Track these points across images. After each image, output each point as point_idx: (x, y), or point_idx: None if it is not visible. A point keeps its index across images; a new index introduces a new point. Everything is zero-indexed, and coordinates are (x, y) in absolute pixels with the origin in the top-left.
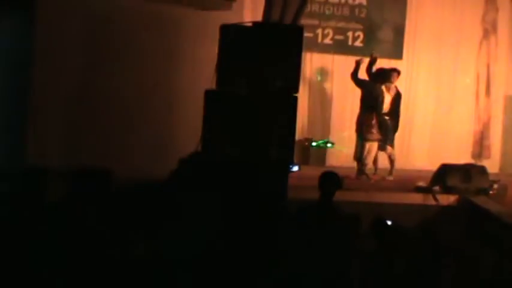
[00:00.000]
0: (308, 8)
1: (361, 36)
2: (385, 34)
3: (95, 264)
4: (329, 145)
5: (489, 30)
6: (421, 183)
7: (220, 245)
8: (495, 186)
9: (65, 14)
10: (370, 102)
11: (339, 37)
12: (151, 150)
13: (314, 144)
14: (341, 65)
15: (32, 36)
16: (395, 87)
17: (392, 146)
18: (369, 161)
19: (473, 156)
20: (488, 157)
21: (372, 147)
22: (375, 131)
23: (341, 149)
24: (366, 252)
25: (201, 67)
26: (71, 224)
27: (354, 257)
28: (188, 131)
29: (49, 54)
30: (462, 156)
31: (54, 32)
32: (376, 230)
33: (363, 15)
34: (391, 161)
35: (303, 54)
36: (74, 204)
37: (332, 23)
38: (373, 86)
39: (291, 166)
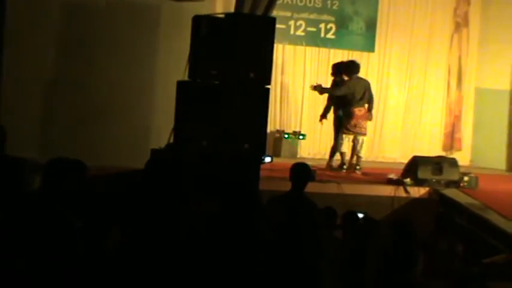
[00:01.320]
0: (280, 0)
1: (334, 28)
2: (358, 27)
3: (69, 255)
4: (301, 137)
5: (461, 23)
6: (393, 175)
7: (193, 236)
8: (466, 178)
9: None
10: (349, 96)
11: (311, 29)
12: (125, 141)
13: (286, 136)
14: (313, 57)
15: (3, 24)
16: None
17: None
18: (363, 153)
19: (445, 148)
20: (459, 149)
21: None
22: (363, 123)
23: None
24: (338, 243)
25: (174, 58)
26: (45, 215)
27: (327, 248)
28: (161, 122)
29: (21, 43)
30: (433, 149)
31: (26, 19)
32: (347, 221)
33: (335, 7)
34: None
35: (275, 45)
36: (47, 195)
37: (304, 15)
38: (351, 81)
39: (263, 157)
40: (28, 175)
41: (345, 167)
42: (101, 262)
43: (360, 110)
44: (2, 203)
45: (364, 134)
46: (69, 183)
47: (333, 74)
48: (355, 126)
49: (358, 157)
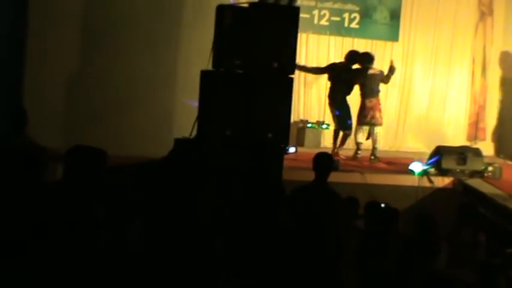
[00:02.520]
0: None
1: (357, 17)
2: (382, 16)
3: (91, 245)
4: (324, 126)
5: (485, 12)
6: None
7: (218, 227)
8: (490, 168)
9: None
10: (370, 87)
11: (335, 18)
12: (148, 130)
13: (309, 125)
14: (337, 46)
15: (26, 16)
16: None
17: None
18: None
19: (469, 138)
20: (484, 139)
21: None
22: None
23: None
24: (361, 233)
25: (197, 47)
26: (67, 205)
27: (350, 238)
28: (184, 111)
29: (44, 34)
30: (457, 139)
31: (49, 10)
32: (369, 211)
33: None
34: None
35: (299, 35)
36: (69, 184)
37: (328, 4)
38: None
39: (287, 148)
40: (48, 164)
41: (358, 155)
42: (123, 253)
43: (370, 101)
44: (22, 192)
45: (380, 124)
46: (89, 171)
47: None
48: (370, 117)
49: (374, 148)
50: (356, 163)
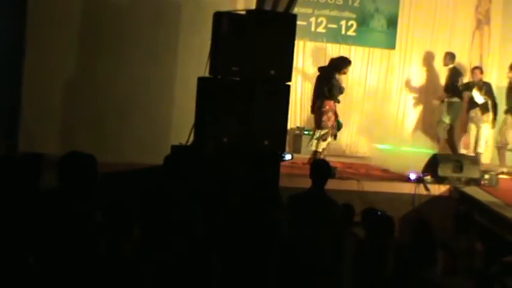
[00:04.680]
0: None
1: (355, 25)
2: (379, 24)
3: (90, 252)
4: None
5: (482, 20)
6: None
7: (213, 232)
8: (486, 176)
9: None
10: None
11: (332, 26)
12: (145, 137)
13: (306, 132)
14: (334, 54)
15: (25, 21)
16: None
17: None
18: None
19: (465, 146)
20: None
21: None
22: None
23: None
24: (358, 240)
25: (194, 54)
26: (62, 210)
27: (347, 245)
28: (182, 118)
29: (43, 39)
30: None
31: (48, 16)
32: (366, 218)
33: (356, 4)
34: None
35: (296, 42)
36: (65, 190)
37: (325, 12)
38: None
39: (283, 155)
40: (45, 171)
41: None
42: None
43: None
44: (19, 200)
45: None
46: (82, 177)
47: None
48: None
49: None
50: (353, 171)
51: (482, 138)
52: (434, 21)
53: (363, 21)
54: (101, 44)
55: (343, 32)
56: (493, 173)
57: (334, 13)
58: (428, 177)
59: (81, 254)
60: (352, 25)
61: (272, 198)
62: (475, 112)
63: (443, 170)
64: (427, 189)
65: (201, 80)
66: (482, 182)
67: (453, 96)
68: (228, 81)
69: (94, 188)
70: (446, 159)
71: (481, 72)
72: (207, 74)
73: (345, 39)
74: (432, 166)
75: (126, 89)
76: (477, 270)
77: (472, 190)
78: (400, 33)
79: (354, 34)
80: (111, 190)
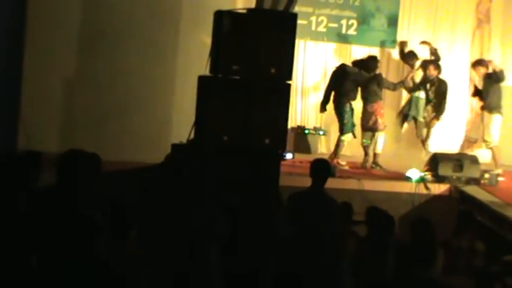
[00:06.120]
0: None
1: (355, 24)
2: (379, 23)
3: (89, 251)
4: (321, 133)
5: (483, 20)
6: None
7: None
8: (486, 176)
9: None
10: (379, 93)
11: (333, 25)
12: (146, 136)
13: (307, 131)
14: (334, 53)
15: (25, 19)
16: None
17: None
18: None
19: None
20: (480, 147)
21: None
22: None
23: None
24: (358, 239)
25: (195, 53)
26: (61, 208)
27: (348, 244)
28: (182, 116)
29: (42, 38)
30: (455, 146)
31: (47, 14)
32: (370, 217)
33: (356, 3)
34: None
35: (297, 41)
36: (64, 189)
37: (326, 11)
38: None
39: (284, 154)
40: (44, 169)
41: (367, 164)
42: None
43: (371, 107)
44: (16, 198)
45: (381, 130)
46: (83, 176)
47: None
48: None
49: (375, 154)
50: (353, 169)
51: (430, 137)
52: (435, 20)
53: (363, 20)
54: (101, 42)
55: (343, 31)
56: (493, 172)
57: (334, 12)
58: (428, 177)
59: (78, 253)
60: (352, 24)
61: (272, 196)
62: (427, 110)
63: (444, 170)
64: (427, 188)
65: (201, 79)
66: (482, 182)
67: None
68: (229, 80)
69: (94, 187)
70: (447, 159)
71: (435, 69)
72: (207, 73)
73: (346, 39)
74: (432, 165)
75: (126, 88)
76: (478, 269)
77: (472, 189)
78: (400, 32)
79: (354, 33)
80: (111, 189)
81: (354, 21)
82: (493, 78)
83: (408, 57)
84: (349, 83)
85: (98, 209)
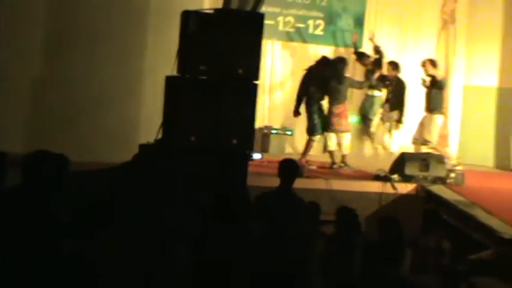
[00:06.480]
0: None
1: (322, 24)
2: (346, 23)
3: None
4: (288, 133)
5: (448, 20)
6: (380, 172)
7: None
8: (452, 175)
9: None
10: (344, 93)
11: (300, 25)
12: (114, 136)
13: (274, 131)
14: (301, 53)
15: None
16: None
17: None
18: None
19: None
20: (446, 146)
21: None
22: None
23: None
24: (326, 238)
25: (162, 53)
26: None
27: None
28: (150, 117)
29: (9, 38)
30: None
31: (13, 14)
32: (341, 217)
33: (323, 3)
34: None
35: (264, 41)
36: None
37: (293, 11)
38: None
39: (252, 154)
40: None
41: (334, 166)
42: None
43: (337, 108)
44: None
45: (346, 131)
46: (49, 176)
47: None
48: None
49: (343, 155)
50: (321, 169)
51: (392, 136)
52: (400, 21)
53: (330, 21)
54: (68, 42)
55: (310, 31)
56: (459, 171)
57: (301, 12)
58: (395, 176)
59: (44, 254)
60: (319, 24)
61: (240, 197)
62: (384, 109)
63: (410, 169)
64: (394, 188)
65: (169, 79)
66: (448, 181)
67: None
68: (196, 80)
69: (61, 187)
70: (413, 158)
71: (393, 68)
72: (175, 73)
73: (313, 39)
74: (399, 165)
75: (94, 88)
76: (444, 268)
77: (438, 189)
78: (367, 32)
79: (321, 33)
80: (79, 189)
81: (321, 22)
82: (437, 85)
83: (361, 57)
84: (317, 84)
85: (65, 209)
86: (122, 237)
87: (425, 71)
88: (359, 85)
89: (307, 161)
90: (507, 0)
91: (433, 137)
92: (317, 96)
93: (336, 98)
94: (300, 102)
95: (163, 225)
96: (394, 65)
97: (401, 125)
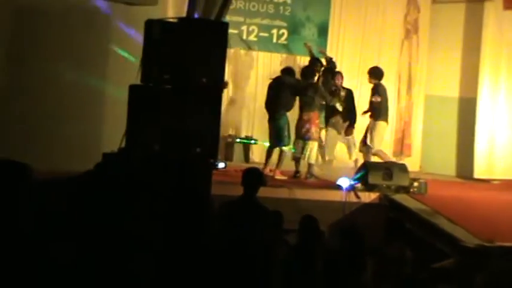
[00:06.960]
0: (233, 5)
1: (286, 34)
2: (310, 32)
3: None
4: (253, 141)
5: (411, 30)
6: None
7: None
8: (415, 184)
9: None
10: (317, 101)
11: (264, 34)
12: (77, 145)
13: (238, 140)
14: (265, 62)
15: None
16: None
17: None
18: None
19: (395, 154)
20: (409, 155)
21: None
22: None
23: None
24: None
25: (126, 62)
26: None
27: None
28: (113, 125)
29: None
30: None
31: None
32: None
33: (287, 13)
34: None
35: (228, 50)
36: None
37: (257, 20)
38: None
39: (216, 163)
40: None
41: (298, 174)
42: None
43: (307, 115)
44: None
45: (313, 140)
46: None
47: None
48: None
49: (309, 164)
50: (285, 179)
51: (352, 146)
52: (364, 30)
53: (294, 30)
54: (30, 51)
55: (274, 40)
56: (422, 180)
57: (265, 22)
58: (358, 185)
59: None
60: (283, 34)
61: (204, 205)
62: (336, 119)
63: (374, 178)
64: (357, 196)
65: (132, 88)
66: (411, 190)
67: None
68: (160, 89)
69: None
70: (376, 167)
71: (342, 78)
72: (138, 82)
73: (277, 48)
74: (362, 174)
75: (57, 97)
76: (406, 276)
77: (401, 198)
78: (330, 42)
79: (285, 42)
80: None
81: (285, 31)
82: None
83: (315, 63)
84: (287, 93)
85: (29, 219)
86: (84, 248)
87: (369, 80)
88: (329, 100)
89: (270, 170)
90: (468, 11)
91: (376, 143)
92: (289, 106)
93: (309, 105)
94: (271, 111)
95: (126, 235)
96: (341, 75)
97: (353, 130)
